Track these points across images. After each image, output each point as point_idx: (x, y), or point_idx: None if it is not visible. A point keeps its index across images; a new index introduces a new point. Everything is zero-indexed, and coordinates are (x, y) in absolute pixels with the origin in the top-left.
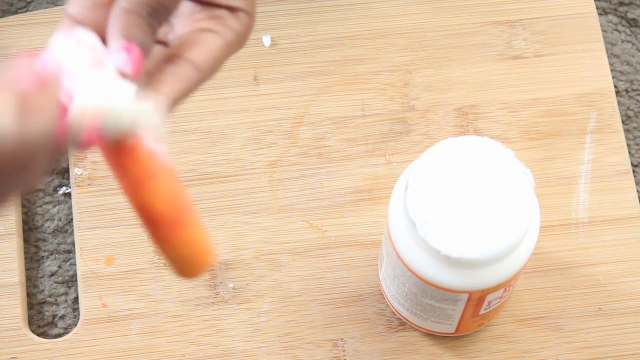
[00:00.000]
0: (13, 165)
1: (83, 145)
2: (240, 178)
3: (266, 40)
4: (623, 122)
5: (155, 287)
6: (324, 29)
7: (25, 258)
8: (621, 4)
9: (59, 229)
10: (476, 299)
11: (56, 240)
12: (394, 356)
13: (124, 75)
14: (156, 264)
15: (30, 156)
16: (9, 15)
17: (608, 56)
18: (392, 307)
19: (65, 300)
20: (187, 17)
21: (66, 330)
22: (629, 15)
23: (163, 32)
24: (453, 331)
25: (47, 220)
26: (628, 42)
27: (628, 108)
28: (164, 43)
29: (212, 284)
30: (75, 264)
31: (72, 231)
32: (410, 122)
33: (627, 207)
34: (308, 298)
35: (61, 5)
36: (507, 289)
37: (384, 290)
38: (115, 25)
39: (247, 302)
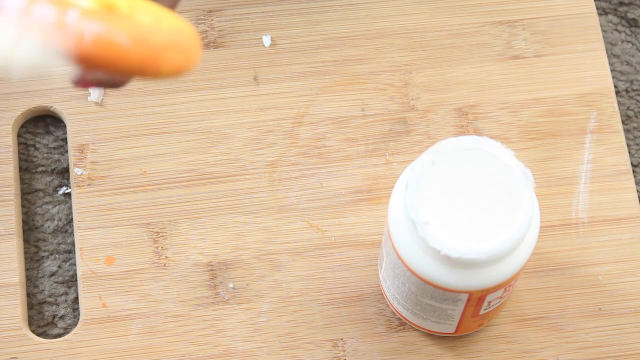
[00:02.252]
0: None
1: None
2: (240, 178)
3: (266, 40)
4: (623, 122)
5: (155, 287)
6: (324, 29)
7: (25, 258)
8: (621, 4)
9: (59, 229)
10: (476, 299)
11: (56, 240)
12: (394, 356)
13: None
14: (156, 264)
15: None
16: None
17: (608, 56)
18: (392, 307)
19: (65, 300)
20: None
21: (66, 330)
22: (629, 15)
23: None
24: (453, 331)
25: (47, 220)
26: (628, 42)
27: (628, 108)
28: None
29: (212, 284)
30: (75, 264)
31: (72, 231)
32: (410, 122)
33: (627, 207)
34: (308, 298)
35: None
36: (507, 289)
37: (384, 290)
38: None
39: (247, 302)
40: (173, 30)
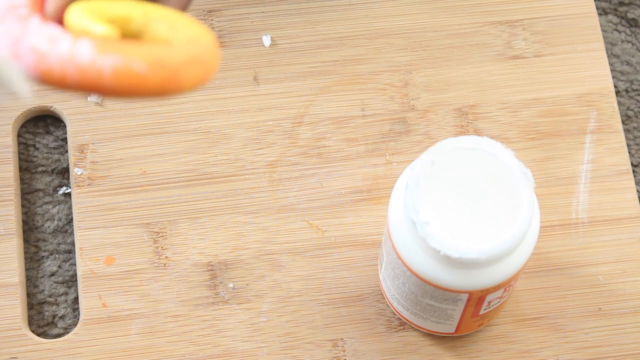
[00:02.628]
0: None
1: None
2: (240, 178)
3: (266, 40)
4: (623, 122)
5: (155, 287)
6: (324, 29)
7: (25, 258)
8: (621, 4)
9: (59, 229)
10: (476, 299)
11: (56, 240)
12: (394, 356)
13: None
14: (156, 264)
15: None
16: None
17: (608, 56)
18: (392, 307)
19: (65, 300)
20: None
21: (66, 330)
22: (629, 15)
23: None
24: (453, 331)
25: (47, 220)
26: (628, 42)
27: (628, 108)
28: None
29: (212, 284)
30: (75, 264)
31: (72, 231)
32: (410, 122)
33: (627, 207)
34: (308, 298)
35: None
36: (507, 289)
37: (384, 290)
38: None
39: (247, 302)
40: (190, 41)
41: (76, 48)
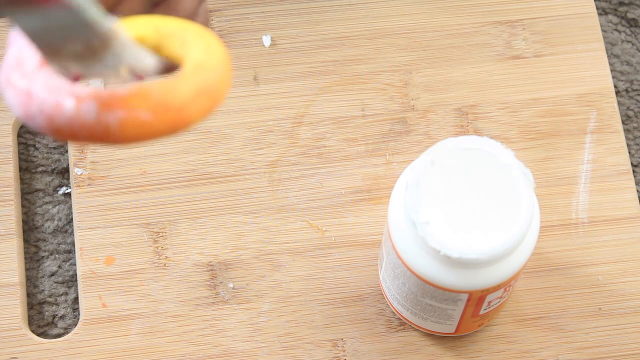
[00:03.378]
0: None
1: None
2: (240, 178)
3: (266, 40)
4: (623, 122)
5: (155, 287)
6: (324, 29)
7: (25, 258)
8: (621, 4)
9: (59, 229)
10: (476, 299)
11: (56, 240)
12: (394, 356)
13: None
14: (156, 264)
15: None
16: None
17: (608, 56)
18: (392, 307)
19: (65, 300)
20: None
21: (66, 330)
22: (629, 15)
23: None
24: (453, 331)
25: (47, 220)
26: (628, 42)
27: (628, 108)
28: None
29: (212, 284)
30: (75, 264)
31: (72, 231)
32: (410, 122)
33: (627, 207)
34: (308, 298)
35: None
36: (507, 289)
37: (384, 290)
38: None
39: (247, 302)
40: (197, 68)
41: (81, 108)
